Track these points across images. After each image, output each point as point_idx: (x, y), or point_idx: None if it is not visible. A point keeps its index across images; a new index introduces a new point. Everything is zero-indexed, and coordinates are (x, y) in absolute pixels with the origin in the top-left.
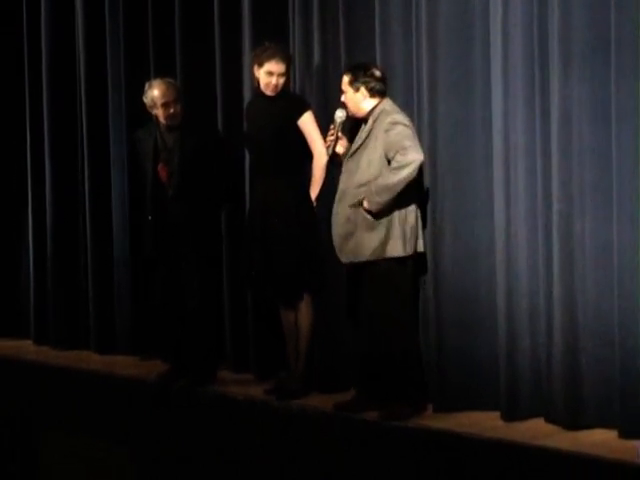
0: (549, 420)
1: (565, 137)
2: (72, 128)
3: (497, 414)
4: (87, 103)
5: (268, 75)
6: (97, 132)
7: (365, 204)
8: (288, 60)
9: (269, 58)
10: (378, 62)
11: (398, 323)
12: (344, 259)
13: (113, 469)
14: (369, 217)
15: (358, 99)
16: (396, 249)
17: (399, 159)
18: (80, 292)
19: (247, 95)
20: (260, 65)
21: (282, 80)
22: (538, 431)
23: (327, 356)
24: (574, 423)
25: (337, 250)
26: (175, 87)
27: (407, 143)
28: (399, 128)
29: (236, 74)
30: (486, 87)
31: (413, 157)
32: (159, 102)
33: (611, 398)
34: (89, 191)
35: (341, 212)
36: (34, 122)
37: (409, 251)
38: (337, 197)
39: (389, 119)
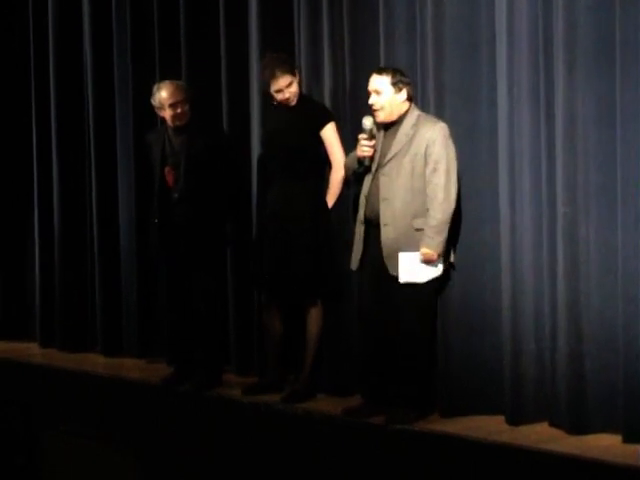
0: (553, 424)
1: (570, 141)
2: (79, 132)
3: (502, 418)
4: (94, 107)
5: (278, 92)
6: (104, 136)
7: (428, 251)
8: (290, 69)
9: (271, 78)
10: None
11: (424, 330)
12: (395, 271)
13: (118, 472)
14: (435, 259)
15: (398, 100)
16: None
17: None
18: (87, 294)
19: (253, 99)
20: (268, 86)
21: (293, 89)
22: (543, 435)
23: (334, 360)
24: (578, 427)
25: (386, 260)
26: (183, 88)
27: (454, 175)
28: (453, 156)
29: (242, 77)
30: (491, 91)
31: (454, 191)
32: (167, 103)
33: (615, 402)
34: (96, 194)
35: (394, 223)
36: (41, 126)
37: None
38: (382, 206)
39: (443, 131)
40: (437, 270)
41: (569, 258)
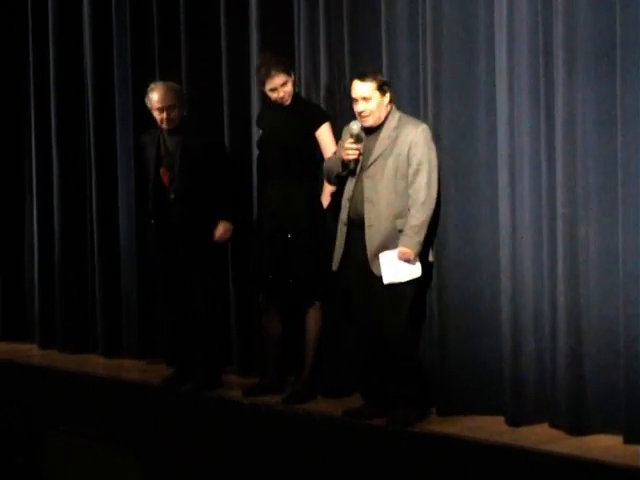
0: (554, 425)
1: (570, 141)
2: (79, 132)
3: (502, 419)
4: (94, 107)
5: (273, 91)
6: (104, 136)
7: (406, 250)
8: (285, 68)
9: (266, 77)
10: (384, 68)
11: (404, 331)
12: (379, 272)
13: (118, 472)
14: (412, 258)
15: (384, 104)
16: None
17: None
18: (87, 295)
19: (254, 98)
20: (262, 85)
21: (288, 88)
22: (543, 436)
23: (334, 360)
24: (579, 428)
25: (370, 261)
26: (175, 91)
27: (435, 176)
28: (435, 158)
29: (243, 77)
30: (491, 92)
31: (435, 193)
32: (155, 106)
33: (616, 403)
34: (96, 195)
35: (378, 224)
36: (41, 126)
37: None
38: (366, 208)
39: (425, 133)
40: (417, 271)
41: (569, 259)
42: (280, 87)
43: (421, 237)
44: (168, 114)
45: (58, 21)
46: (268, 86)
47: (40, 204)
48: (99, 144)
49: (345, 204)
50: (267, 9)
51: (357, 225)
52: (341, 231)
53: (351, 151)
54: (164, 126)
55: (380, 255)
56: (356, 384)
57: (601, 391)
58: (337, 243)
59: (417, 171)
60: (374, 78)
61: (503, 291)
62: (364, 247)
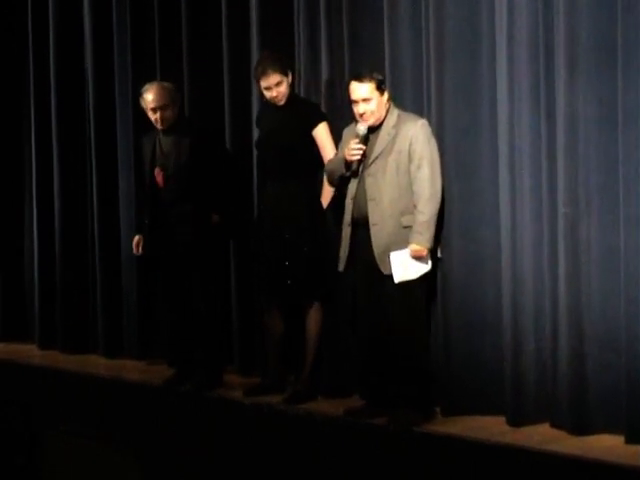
0: (555, 425)
1: (571, 140)
2: (80, 131)
3: (503, 419)
4: (94, 106)
5: (267, 90)
6: (105, 135)
7: (418, 247)
8: (281, 68)
9: (261, 75)
10: (386, 67)
11: (420, 329)
12: (388, 271)
13: (118, 472)
14: (425, 254)
15: (383, 102)
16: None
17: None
18: (87, 295)
19: (255, 99)
20: (257, 82)
21: (282, 88)
22: (544, 436)
23: (334, 360)
24: (580, 428)
25: (378, 260)
26: (168, 91)
27: (438, 170)
28: (436, 152)
29: (244, 77)
30: (492, 91)
31: (439, 186)
32: (149, 106)
33: (617, 403)
34: (97, 195)
35: (383, 222)
36: (41, 126)
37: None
38: (370, 206)
39: (424, 128)
40: (427, 266)
41: (570, 258)
42: (274, 86)
43: (431, 232)
44: (162, 114)
45: (58, 21)
46: (262, 84)
47: (40, 204)
48: (99, 144)
49: (348, 204)
50: (267, 9)
51: (361, 224)
52: (345, 231)
53: (355, 151)
54: (158, 126)
55: (391, 255)
56: (356, 384)
57: (603, 391)
58: (342, 244)
59: (419, 166)
60: (371, 78)
61: (504, 290)
62: (370, 246)
